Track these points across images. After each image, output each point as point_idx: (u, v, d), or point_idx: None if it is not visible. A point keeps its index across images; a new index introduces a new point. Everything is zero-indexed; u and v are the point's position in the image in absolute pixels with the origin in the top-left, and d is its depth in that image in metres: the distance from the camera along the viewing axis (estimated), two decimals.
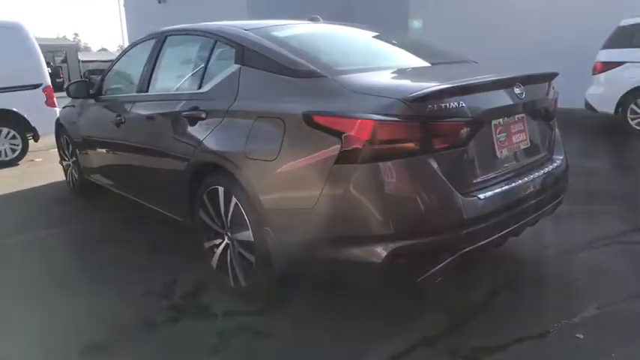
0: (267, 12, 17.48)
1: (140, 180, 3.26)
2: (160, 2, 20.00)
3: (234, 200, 2.35)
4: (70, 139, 4.40)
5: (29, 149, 6.77)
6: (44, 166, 6.34)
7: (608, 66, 6.62)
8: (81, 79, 4.08)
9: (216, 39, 2.71)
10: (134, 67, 3.59)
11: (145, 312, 2.45)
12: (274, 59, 2.33)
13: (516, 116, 2.26)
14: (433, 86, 1.89)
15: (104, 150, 3.78)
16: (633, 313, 2.25)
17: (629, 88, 6.40)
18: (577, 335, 2.09)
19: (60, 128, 4.67)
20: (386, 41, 3.00)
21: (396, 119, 1.82)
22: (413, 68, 2.53)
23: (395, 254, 1.86)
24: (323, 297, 2.48)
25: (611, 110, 6.63)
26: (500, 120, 2.16)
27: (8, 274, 3.04)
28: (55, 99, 6.69)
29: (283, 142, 2.07)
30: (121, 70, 3.80)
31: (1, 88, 6.22)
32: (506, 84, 2.16)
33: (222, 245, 2.54)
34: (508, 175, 2.21)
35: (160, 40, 3.21)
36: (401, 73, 2.36)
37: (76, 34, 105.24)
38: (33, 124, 6.52)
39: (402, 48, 2.91)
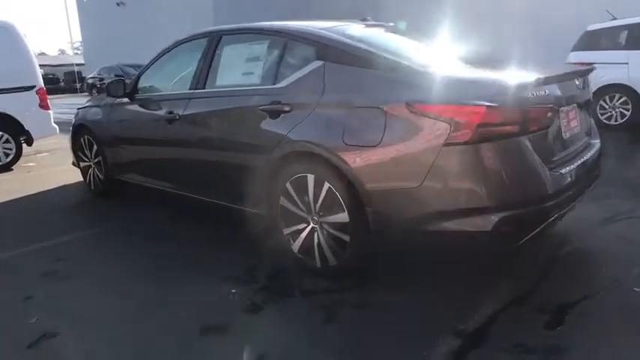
0: (233, 13, 17.49)
1: (200, 175, 3.34)
2: (118, 5, 19.50)
3: (326, 185, 2.54)
4: (97, 139, 4.38)
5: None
6: (43, 170, 6.17)
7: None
8: (120, 78, 4.08)
9: (288, 38, 2.89)
10: (182, 66, 3.69)
11: (241, 296, 2.59)
12: (361, 55, 2.55)
13: (574, 104, 2.60)
14: (529, 77, 2.18)
15: (147, 148, 3.83)
16: None
17: (597, 87, 7.07)
18: (634, 289, 2.44)
19: (80, 129, 4.63)
20: (428, 41, 3.28)
21: (503, 105, 2.10)
22: (487, 63, 2.79)
23: (502, 223, 2.13)
24: (407, 271, 2.73)
25: None
26: (566, 107, 2.50)
27: (82, 270, 3.05)
28: (48, 101, 6.52)
29: (386, 129, 2.30)
30: (163, 69, 3.86)
31: None
32: (573, 76, 2.50)
33: (308, 229, 2.72)
34: (571, 155, 2.54)
35: (215, 39, 3.34)
36: (478, 67, 2.63)
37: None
38: (27, 128, 6.33)
39: (449, 46, 3.20)
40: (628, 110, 6.90)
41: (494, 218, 2.13)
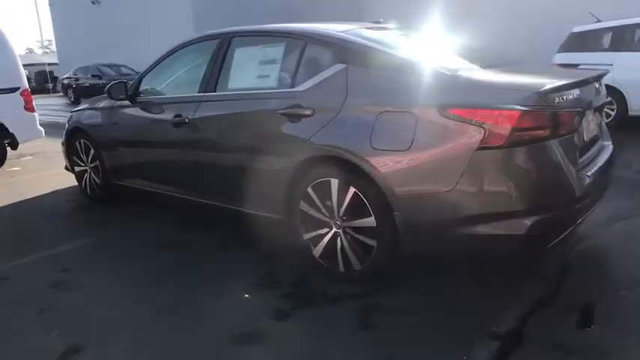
0: (213, 13, 17.28)
1: (211, 179, 3.27)
2: (93, 3, 19.01)
3: (352, 190, 2.52)
4: (94, 142, 4.25)
5: None
6: (30, 175, 5.95)
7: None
8: (121, 80, 3.95)
9: (306, 40, 2.86)
10: (189, 68, 3.62)
11: (266, 302, 2.55)
12: (387, 59, 2.55)
13: (593, 107, 2.65)
14: (557, 81, 2.21)
15: (151, 152, 3.74)
16: None
17: None
18: None
19: (76, 132, 4.49)
20: (444, 42, 3.29)
21: (536, 109, 2.12)
22: (507, 66, 2.80)
23: (535, 226, 2.15)
24: (427, 274, 2.73)
25: None
26: (587, 110, 2.54)
27: (91, 279, 2.95)
28: (33, 103, 6.30)
29: (416, 133, 2.29)
30: (168, 71, 3.76)
31: None
32: (594, 80, 2.54)
33: (330, 234, 2.69)
34: (591, 157, 2.59)
35: (225, 40, 3.27)
36: (503, 70, 2.64)
37: None
38: (11, 131, 6.09)
39: (466, 48, 3.20)
40: (613, 110, 7.09)
41: (528, 221, 2.15)
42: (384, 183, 2.39)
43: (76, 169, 4.62)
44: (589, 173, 2.41)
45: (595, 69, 2.54)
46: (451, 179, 2.23)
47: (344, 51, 2.66)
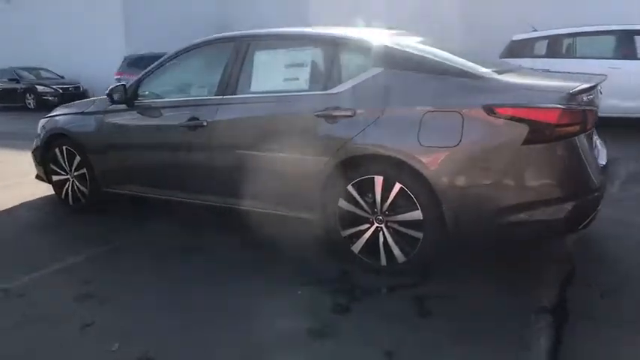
0: (147, 13, 16.57)
1: (236, 182, 3.22)
2: (7, 2, 17.42)
3: (397, 185, 2.67)
4: (82, 149, 4.01)
5: None
6: None
7: None
8: (121, 83, 3.76)
9: (337, 45, 2.97)
10: (200, 71, 3.56)
11: (319, 298, 2.62)
12: (423, 62, 2.73)
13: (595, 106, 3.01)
14: (581, 84, 2.52)
15: (159, 156, 3.62)
16: None
17: None
18: None
19: (54, 139, 4.20)
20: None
21: (571, 108, 2.40)
22: (518, 70, 3.07)
23: (572, 211, 2.43)
24: (457, 262, 2.94)
25: None
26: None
27: (120, 290, 2.82)
28: None
29: (464, 130, 2.49)
30: (173, 74, 3.67)
31: None
32: (600, 82, 2.90)
33: (372, 229, 2.81)
34: (597, 152, 2.95)
35: (244, 43, 3.28)
36: (524, 74, 2.92)
37: None
38: None
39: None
40: None
41: (567, 207, 2.43)
42: (433, 178, 2.56)
43: (55, 178, 4.32)
44: (602, 164, 2.76)
45: (597, 74, 2.90)
46: (498, 172, 2.46)
47: (381, 56, 2.81)
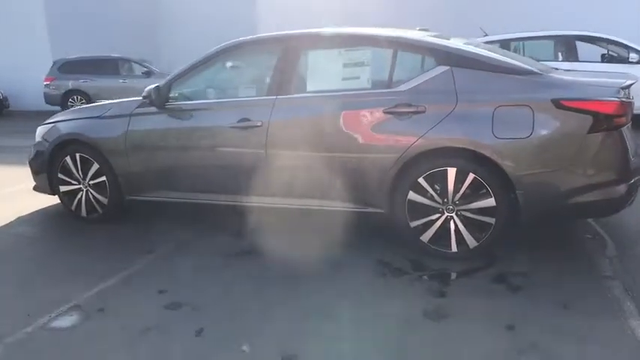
0: (69, 10, 15.48)
1: (297, 181, 3.23)
2: None
3: (471, 176, 2.88)
4: (102, 155, 3.78)
5: None
6: None
7: None
8: (155, 85, 3.56)
9: (399, 45, 3.14)
10: (244, 71, 3.54)
11: (410, 286, 2.77)
12: (486, 61, 2.98)
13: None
14: (624, 80, 2.90)
15: (199, 159, 3.51)
16: None
17: None
18: None
19: (67, 146, 3.91)
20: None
21: (624, 100, 2.77)
22: (559, 70, 3.42)
23: (625, 191, 2.81)
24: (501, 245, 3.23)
25: None
26: None
27: (205, 300, 2.74)
28: None
29: (534, 122, 2.76)
30: (212, 75, 3.60)
31: None
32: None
33: (442, 218, 3.00)
34: None
35: (294, 44, 3.32)
36: (570, 73, 3.27)
37: None
38: None
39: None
40: None
41: (623, 187, 2.80)
42: (508, 166, 2.80)
43: (63, 188, 4.01)
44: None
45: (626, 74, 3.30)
46: (566, 158, 2.77)
47: (447, 55, 3.01)
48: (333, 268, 3.03)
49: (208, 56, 3.57)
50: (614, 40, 7.88)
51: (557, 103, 2.75)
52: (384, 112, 3.01)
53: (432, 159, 2.97)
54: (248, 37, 3.53)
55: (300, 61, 3.31)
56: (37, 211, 4.38)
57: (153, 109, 3.61)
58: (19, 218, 4.22)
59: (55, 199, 4.23)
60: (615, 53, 8.19)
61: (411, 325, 2.36)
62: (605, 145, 2.75)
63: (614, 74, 3.17)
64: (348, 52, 3.27)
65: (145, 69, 12.98)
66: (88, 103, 12.81)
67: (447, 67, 2.98)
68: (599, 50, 8.45)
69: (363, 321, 2.43)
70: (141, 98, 3.67)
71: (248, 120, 3.30)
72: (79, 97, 12.87)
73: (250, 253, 3.28)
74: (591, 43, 8.34)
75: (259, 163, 3.32)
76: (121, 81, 12.89)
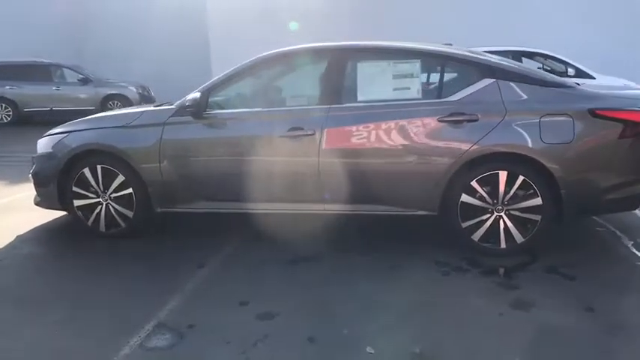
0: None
1: (350, 188, 3.30)
2: None
3: (520, 178, 3.17)
4: (129, 167, 3.58)
5: None
6: None
7: None
8: (194, 95, 3.41)
9: (447, 58, 3.39)
10: (290, 81, 3.56)
11: (476, 282, 2.99)
12: (527, 75, 3.31)
13: None
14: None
15: (245, 168, 3.45)
16: None
17: None
18: None
19: (86, 157, 3.65)
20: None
21: None
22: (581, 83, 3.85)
23: None
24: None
25: None
26: None
27: (290, 310, 2.74)
28: None
29: (574, 129, 3.12)
30: (255, 85, 3.57)
31: None
32: None
33: (492, 218, 3.27)
34: None
35: (343, 55, 3.44)
36: (598, 86, 3.69)
37: None
38: None
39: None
40: None
41: None
42: (554, 168, 3.13)
43: (78, 202, 3.73)
44: None
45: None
46: (602, 160, 3.17)
47: (491, 69, 3.29)
48: (393, 269, 3.16)
49: (248, 65, 3.55)
50: (552, 56, 8.83)
51: (593, 113, 3.13)
52: (439, 121, 3.22)
53: (484, 163, 3.22)
54: (293, 48, 3.56)
55: (349, 71, 3.42)
56: (35, 229, 4.02)
57: (189, 117, 3.51)
58: (18, 237, 3.85)
59: (50, 214, 4.04)
60: (549, 67, 9.18)
61: (511, 318, 2.56)
62: (633, 149, 3.18)
63: (629, 86, 3.67)
64: (399, 65, 3.43)
65: (81, 76, 12.16)
66: (14, 112, 11.79)
67: (493, 80, 3.26)
68: (536, 64, 9.41)
69: (466, 319, 2.57)
70: (174, 107, 3.59)
71: (300, 129, 3.33)
72: (3, 106, 11.74)
73: (308, 260, 3.31)
74: (530, 58, 9.27)
75: (311, 170, 3.37)
76: (54, 88, 11.98)
